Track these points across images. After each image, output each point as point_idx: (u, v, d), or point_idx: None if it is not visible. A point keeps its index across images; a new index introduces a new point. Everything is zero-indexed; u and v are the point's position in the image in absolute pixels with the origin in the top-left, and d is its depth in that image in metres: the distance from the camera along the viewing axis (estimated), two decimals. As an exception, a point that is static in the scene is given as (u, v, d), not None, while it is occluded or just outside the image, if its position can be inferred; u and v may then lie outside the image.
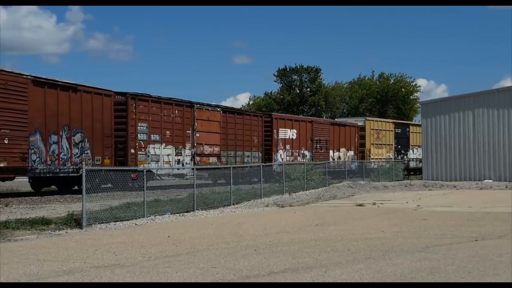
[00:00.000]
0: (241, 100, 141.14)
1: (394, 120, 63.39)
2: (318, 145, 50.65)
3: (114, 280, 8.88)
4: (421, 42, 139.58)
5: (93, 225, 16.16)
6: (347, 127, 54.38)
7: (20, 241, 13.42)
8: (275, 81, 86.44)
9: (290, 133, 47.31)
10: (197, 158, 37.15)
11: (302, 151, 48.56)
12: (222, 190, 26.37)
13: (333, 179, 38.38)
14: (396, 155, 58.56)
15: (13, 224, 15.20)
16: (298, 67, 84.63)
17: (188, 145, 36.41)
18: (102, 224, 16.44)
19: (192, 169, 36.14)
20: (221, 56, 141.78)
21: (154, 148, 33.60)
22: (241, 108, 42.09)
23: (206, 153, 38.07)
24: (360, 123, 56.26)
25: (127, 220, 17.38)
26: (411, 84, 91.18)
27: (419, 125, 63.97)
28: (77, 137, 28.35)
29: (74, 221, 16.15)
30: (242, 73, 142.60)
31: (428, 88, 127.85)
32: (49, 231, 15.12)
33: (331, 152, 52.40)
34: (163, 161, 34.26)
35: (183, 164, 35.83)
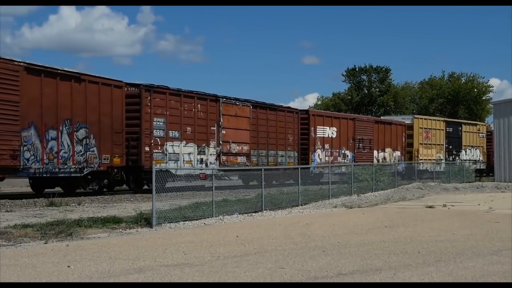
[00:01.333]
0: (310, 100, 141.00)
1: (445, 119, 59.29)
2: (360, 145, 47.11)
3: (183, 279, 8.97)
4: (494, 41, 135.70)
5: (163, 224, 16.35)
6: (393, 126, 50.64)
7: (92, 239, 13.60)
8: (343, 81, 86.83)
9: (329, 131, 43.92)
10: (223, 158, 34.05)
11: (343, 151, 45.10)
12: (290, 190, 26.37)
13: (402, 180, 37.64)
14: (447, 156, 54.53)
15: (85, 223, 15.52)
16: (367, 67, 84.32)
17: (212, 143, 33.34)
18: (171, 223, 16.63)
19: (220, 169, 33.14)
20: (290, 56, 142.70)
21: (172, 146, 30.61)
22: (273, 103, 38.40)
23: (234, 152, 34.95)
24: (407, 121, 52.46)
25: (196, 219, 17.57)
26: (484, 84, 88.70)
27: (473, 124, 59.88)
28: (81, 133, 25.52)
29: (144, 220, 16.42)
30: (311, 74, 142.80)
31: (501, 88, 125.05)
32: (120, 230, 15.35)
33: (375, 152, 48.79)
34: (183, 161, 31.25)
35: (206, 164, 32.77)
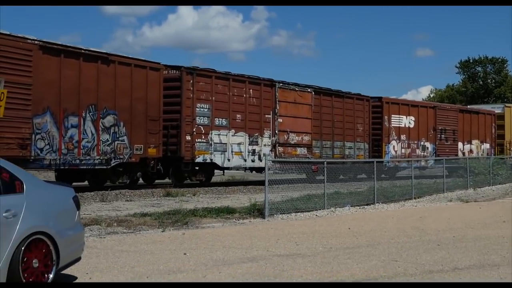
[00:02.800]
0: (423, 93, 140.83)
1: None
2: (442, 136, 43.11)
3: (296, 269, 8.97)
4: None
5: (275, 215, 16.63)
6: (480, 115, 46.29)
7: (207, 228, 13.93)
8: (457, 73, 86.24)
9: (406, 121, 40.23)
10: (280, 149, 31.12)
11: (422, 143, 41.28)
12: (403, 183, 26.38)
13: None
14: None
15: (200, 212, 15.98)
16: (482, 58, 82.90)
17: (267, 133, 30.46)
18: (283, 215, 16.90)
19: (273, 162, 30.28)
20: (403, 49, 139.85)
21: (219, 135, 27.95)
22: (339, 90, 35.09)
23: (292, 142, 31.95)
24: (497, 111, 47.92)
25: (308, 211, 17.83)
26: None
27: None
28: (108, 120, 23.18)
29: (257, 211, 16.72)
30: (424, 66, 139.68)
31: None
32: (234, 220, 15.68)
33: (460, 144, 44.69)
34: (232, 151, 28.55)
35: (259, 156, 29.93)
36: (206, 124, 27.37)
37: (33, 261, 7.28)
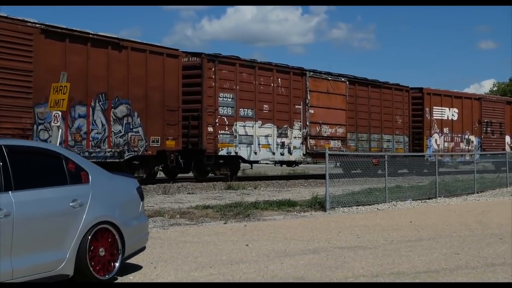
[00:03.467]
0: (486, 86, 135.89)
1: None
2: (488, 129, 40.44)
3: (357, 261, 9.07)
4: None
5: (336, 208, 16.59)
6: (530, 107, 43.33)
7: (268, 221, 13.95)
8: None
9: (449, 113, 37.71)
10: (311, 142, 29.01)
11: (466, 136, 38.69)
12: (465, 178, 26.27)
13: None
14: None
15: (261, 205, 16.01)
16: None
17: (297, 124, 28.37)
18: (344, 208, 16.86)
19: (305, 154, 28.23)
20: (465, 42, 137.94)
21: (244, 126, 25.98)
22: (376, 79, 32.81)
23: (325, 135, 29.79)
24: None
25: (369, 204, 17.83)
26: None
27: None
28: (120, 110, 21.41)
29: (318, 204, 16.66)
30: (487, 59, 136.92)
31: None
32: (295, 213, 15.63)
33: (507, 138, 41.88)
34: (259, 144, 26.56)
35: (289, 149, 27.89)
36: (230, 115, 25.43)
37: (100, 250, 7.34)
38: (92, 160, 19.89)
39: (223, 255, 9.36)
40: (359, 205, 17.48)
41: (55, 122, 15.02)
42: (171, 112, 23.06)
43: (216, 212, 14.66)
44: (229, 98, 25.38)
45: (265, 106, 26.86)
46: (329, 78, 30.01)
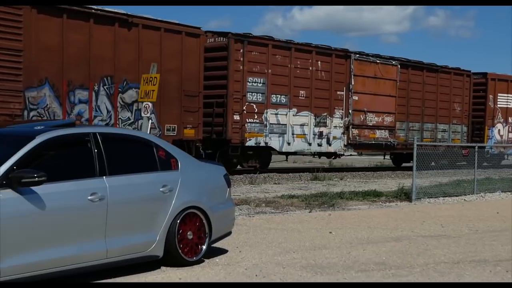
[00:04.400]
0: None
1: None
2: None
3: (439, 248, 9.21)
4: None
5: (422, 199, 16.43)
6: None
7: (353, 210, 13.95)
8: None
9: (516, 101, 33.90)
10: (354, 132, 26.04)
11: (535, 126, 34.78)
12: None
13: None
14: None
15: (346, 195, 15.96)
16: None
17: (338, 112, 25.46)
18: (430, 199, 16.69)
19: (346, 145, 25.38)
20: None
21: (276, 114, 23.27)
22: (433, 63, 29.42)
23: (370, 124, 26.74)
24: None
25: (456, 196, 17.57)
26: None
27: None
28: (129, 95, 19.05)
29: (404, 195, 16.52)
30: None
31: None
32: (380, 203, 15.55)
33: None
34: (293, 134, 23.83)
35: (328, 140, 25.04)
36: (260, 102, 22.76)
37: (188, 233, 7.60)
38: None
39: (307, 242, 9.54)
40: (445, 196, 17.23)
41: (145, 113, 15.26)
42: (191, 97, 20.56)
43: (301, 202, 14.61)
44: (259, 83, 22.69)
45: (302, 92, 24.05)
46: (378, 61, 26.89)
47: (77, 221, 6.55)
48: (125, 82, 18.83)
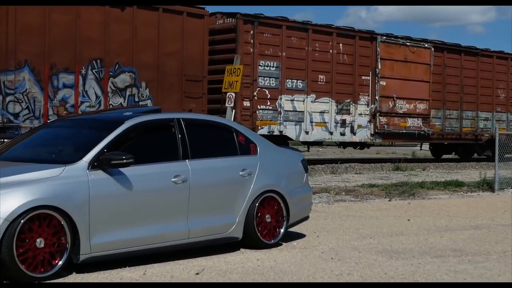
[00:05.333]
0: None
1: None
2: None
3: None
4: None
5: (505, 189, 16.02)
6: None
7: (433, 199, 13.83)
8: None
9: None
10: (382, 120, 23.95)
11: None
12: None
13: None
14: None
15: (427, 185, 15.72)
16: None
17: (363, 99, 23.42)
18: None
19: (373, 134, 23.37)
20: None
21: (292, 100, 21.45)
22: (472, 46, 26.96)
23: (401, 111, 24.57)
24: None
25: None
26: None
27: None
28: (122, 79, 17.60)
29: (486, 185, 16.18)
30: None
31: None
32: (461, 193, 15.29)
33: None
34: (311, 122, 21.96)
35: (352, 128, 23.05)
36: (273, 87, 20.98)
37: (266, 216, 7.74)
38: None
39: (384, 228, 9.52)
40: (532, 187, 16.55)
41: (229, 103, 15.76)
42: (193, 82, 18.98)
43: (381, 191, 14.53)
44: (272, 67, 20.91)
45: (321, 76, 22.13)
46: (408, 44, 24.68)
47: (161, 202, 6.82)
48: (117, 66, 17.40)
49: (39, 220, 5.87)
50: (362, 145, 24.36)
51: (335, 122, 22.52)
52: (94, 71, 16.99)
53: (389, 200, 13.37)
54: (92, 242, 6.17)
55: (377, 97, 23.66)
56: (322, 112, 22.18)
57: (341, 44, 22.60)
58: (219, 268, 6.67)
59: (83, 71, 16.78)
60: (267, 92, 20.80)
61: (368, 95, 23.52)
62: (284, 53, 21.09)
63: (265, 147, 8.10)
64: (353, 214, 11.00)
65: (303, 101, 21.62)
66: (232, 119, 14.68)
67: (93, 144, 6.46)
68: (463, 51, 26.84)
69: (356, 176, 19.25)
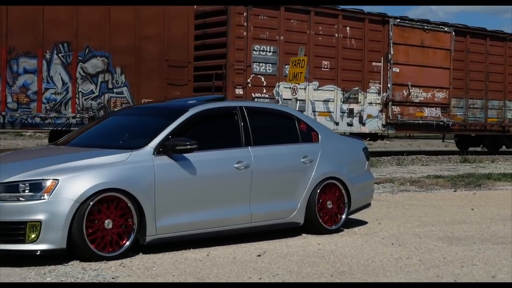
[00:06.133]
0: None
1: None
2: None
3: None
4: None
5: None
6: None
7: (499, 190, 13.53)
8: None
9: None
10: (395, 109, 21.66)
11: None
12: None
13: None
14: None
15: (495, 176, 15.45)
16: None
17: (373, 87, 21.19)
18: None
19: (385, 125, 21.20)
20: None
21: (291, 88, 19.36)
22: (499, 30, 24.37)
23: (417, 100, 22.24)
24: None
25: None
26: None
27: None
28: (93, 64, 15.85)
29: None
30: None
31: None
32: None
33: None
34: (314, 111, 19.88)
35: (361, 118, 20.86)
36: (270, 73, 18.97)
37: (327, 202, 7.77)
38: (49, 128, 14.79)
39: (447, 217, 9.42)
40: None
41: (294, 94, 15.48)
42: (177, 69, 17.12)
43: (446, 182, 14.22)
44: (269, 51, 18.90)
45: (325, 62, 20.00)
46: (425, 27, 22.28)
47: (224, 187, 6.93)
48: (87, 49, 15.68)
49: (107, 202, 6.08)
50: (372, 136, 22.11)
51: (341, 112, 20.36)
52: (60, 55, 15.30)
53: (454, 191, 13.04)
54: (157, 224, 6.33)
55: (389, 85, 21.38)
56: (326, 101, 20.06)
57: (348, 28, 20.40)
58: (281, 251, 6.74)
59: (48, 55, 15.11)
60: (263, 79, 18.81)
61: (380, 83, 21.26)
62: (282, 37, 19.04)
63: (327, 135, 8.15)
64: (416, 203, 10.86)
65: (305, 88, 19.52)
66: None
67: (159, 130, 6.62)
68: (489, 36, 24.26)
69: (423, 167, 18.70)
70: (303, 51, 15.34)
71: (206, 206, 6.73)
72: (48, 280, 5.42)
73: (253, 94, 18.59)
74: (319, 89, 19.88)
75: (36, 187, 5.84)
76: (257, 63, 18.66)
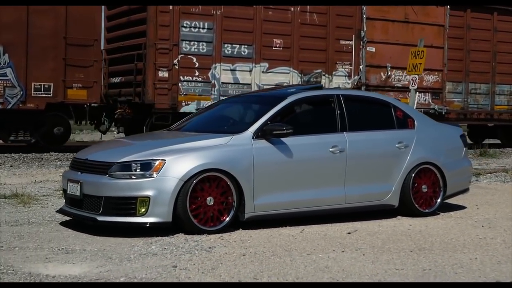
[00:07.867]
0: None
1: None
2: None
3: None
4: None
5: None
6: None
7: None
8: None
9: None
10: (371, 95, 17.72)
11: None
12: None
13: None
14: None
15: None
16: None
17: (342, 69, 17.42)
18: None
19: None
20: None
21: (233, 70, 16.00)
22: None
23: (399, 85, 18.27)
24: None
25: None
26: None
27: None
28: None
29: None
30: None
31: None
32: None
33: None
34: (262, 98, 16.27)
35: (325, 105, 17.10)
36: (204, 53, 15.62)
37: (422, 186, 7.71)
38: None
39: (498, 208, 8.73)
40: None
41: (413, 85, 14.64)
42: (80, 48, 14.27)
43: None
44: (202, 28, 15.54)
45: (277, 41, 16.42)
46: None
47: (319, 169, 7.10)
48: (-42, 25, 12.93)
49: (209, 181, 6.34)
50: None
51: (299, 98, 16.72)
52: None
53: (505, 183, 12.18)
54: (255, 202, 6.56)
55: (361, 67, 17.53)
56: (279, 85, 16.45)
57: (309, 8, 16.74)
58: (371, 229, 6.81)
59: None
60: (194, 60, 15.49)
61: (350, 64, 17.44)
62: (219, 11, 15.64)
63: (423, 122, 8.09)
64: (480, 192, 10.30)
65: (250, 71, 16.07)
66: (415, 104, 14.47)
67: (258, 116, 6.94)
68: (496, 10, 19.86)
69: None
70: (423, 43, 14.41)
71: (301, 186, 6.89)
72: (153, 248, 5.66)
73: (181, 77, 15.31)
74: (269, 71, 16.35)
75: (146, 167, 6.18)
76: (187, 42, 15.37)
